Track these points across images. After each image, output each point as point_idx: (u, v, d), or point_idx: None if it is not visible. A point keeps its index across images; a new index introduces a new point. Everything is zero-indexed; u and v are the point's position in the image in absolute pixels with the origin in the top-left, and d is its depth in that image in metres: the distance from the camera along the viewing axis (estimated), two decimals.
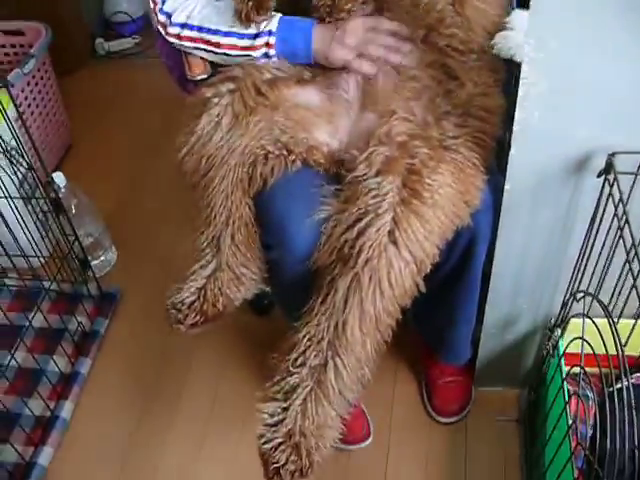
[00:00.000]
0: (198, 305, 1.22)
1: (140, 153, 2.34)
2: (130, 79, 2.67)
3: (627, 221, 1.03)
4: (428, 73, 1.19)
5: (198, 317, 1.23)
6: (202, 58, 1.35)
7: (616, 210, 1.05)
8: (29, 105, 2.12)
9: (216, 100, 1.15)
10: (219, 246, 1.20)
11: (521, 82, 1.03)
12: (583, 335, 1.14)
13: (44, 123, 2.21)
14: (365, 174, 1.06)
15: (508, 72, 1.26)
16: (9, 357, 1.55)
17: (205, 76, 1.33)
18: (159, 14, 1.32)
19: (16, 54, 2.29)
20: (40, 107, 2.18)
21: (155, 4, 1.32)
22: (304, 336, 1.10)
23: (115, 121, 2.50)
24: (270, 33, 1.23)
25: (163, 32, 1.32)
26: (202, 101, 1.16)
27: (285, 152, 1.15)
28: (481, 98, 1.18)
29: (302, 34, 1.22)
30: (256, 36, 1.23)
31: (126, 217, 2.10)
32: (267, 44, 1.23)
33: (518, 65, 1.07)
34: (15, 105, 1.55)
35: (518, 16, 1.20)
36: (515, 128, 1.08)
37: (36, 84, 2.15)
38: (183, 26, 1.30)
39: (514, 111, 1.07)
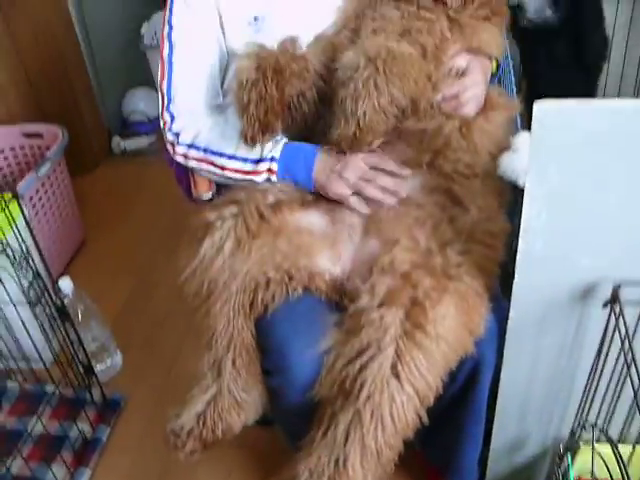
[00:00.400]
0: (197, 432, 1.18)
1: (150, 254, 2.34)
2: (144, 177, 2.71)
3: (633, 358, 0.99)
4: (432, 199, 1.18)
5: (197, 444, 1.19)
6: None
7: (622, 345, 1.02)
8: (42, 206, 2.14)
9: (219, 224, 1.15)
10: (220, 370, 1.17)
11: (523, 213, 1.02)
12: (593, 467, 1.09)
13: (56, 223, 2.22)
14: (368, 305, 1.03)
15: (513, 192, 1.25)
16: (5, 467, 1.50)
17: (210, 195, 1.34)
18: (168, 133, 1.34)
19: (34, 155, 2.33)
20: (53, 207, 2.20)
21: (165, 123, 1.34)
22: (304, 469, 1.06)
23: (128, 220, 2.52)
24: (273, 159, 1.24)
25: (171, 151, 1.34)
26: (205, 224, 1.16)
27: (287, 278, 1.14)
28: (485, 223, 1.17)
29: (304, 164, 1.22)
30: (259, 161, 1.24)
31: (132, 320, 2.08)
32: (269, 170, 1.24)
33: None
34: (24, 215, 1.55)
35: (523, 138, 1.20)
36: (518, 257, 1.06)
37: (50, 185, 2.18)
38: (190, 146, 1.31)
39: (519, 233, 1.05)
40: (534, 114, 0.92)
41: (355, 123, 1.13)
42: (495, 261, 1.14)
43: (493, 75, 1.38)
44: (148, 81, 2.96)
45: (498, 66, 1.38)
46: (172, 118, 1.34)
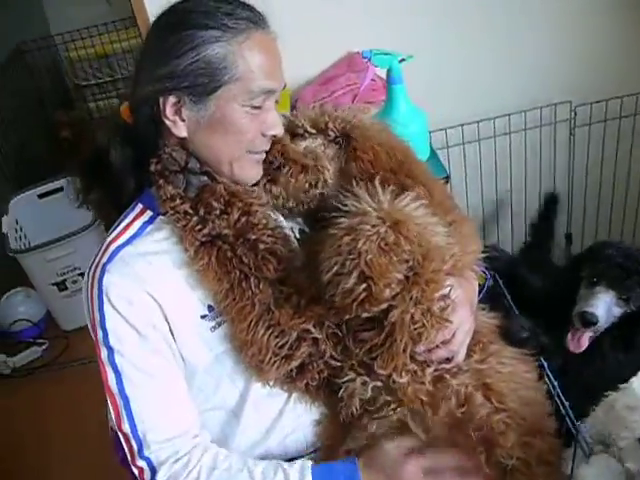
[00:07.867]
0: None
1: None
2: (48, 399, 2.19)
3: None
4: None
5: None
6: None
7: None
8: None
9: None
10: None
11: None
12: None
13: None
14: None
15: None
16: None
17: None
18: None
19: None
20: None
21: (141, 472, 0.99)
22: None
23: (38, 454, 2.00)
24: None
25: None
26: None
27: None
28: None
29: None
30: None
31: None
32: None
33: None
34: None
35: None
36: None
37: None
38: None
39: None
40: None
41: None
42: None
43: (482, 286, 1.14)
44: (23, 281, 2.48)
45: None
46: (152, 467, 0.98)
